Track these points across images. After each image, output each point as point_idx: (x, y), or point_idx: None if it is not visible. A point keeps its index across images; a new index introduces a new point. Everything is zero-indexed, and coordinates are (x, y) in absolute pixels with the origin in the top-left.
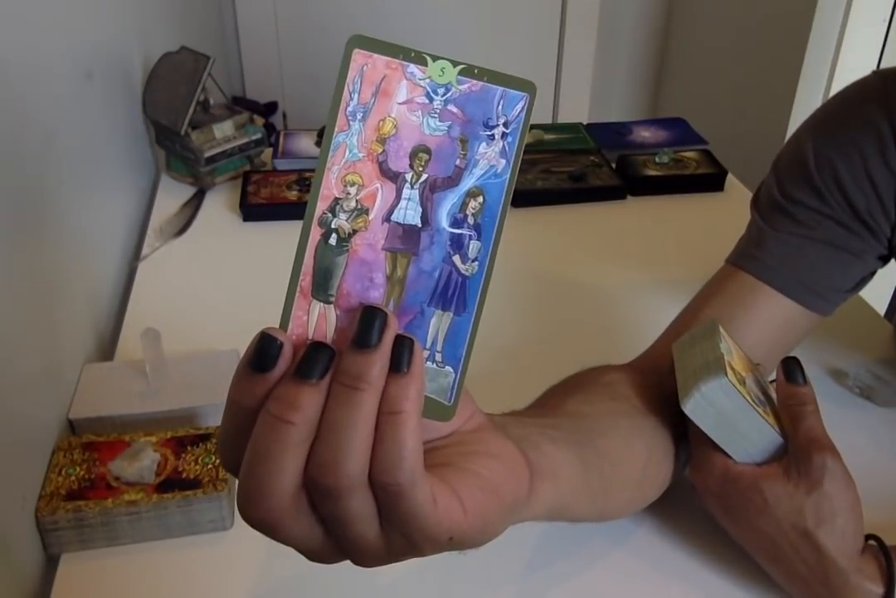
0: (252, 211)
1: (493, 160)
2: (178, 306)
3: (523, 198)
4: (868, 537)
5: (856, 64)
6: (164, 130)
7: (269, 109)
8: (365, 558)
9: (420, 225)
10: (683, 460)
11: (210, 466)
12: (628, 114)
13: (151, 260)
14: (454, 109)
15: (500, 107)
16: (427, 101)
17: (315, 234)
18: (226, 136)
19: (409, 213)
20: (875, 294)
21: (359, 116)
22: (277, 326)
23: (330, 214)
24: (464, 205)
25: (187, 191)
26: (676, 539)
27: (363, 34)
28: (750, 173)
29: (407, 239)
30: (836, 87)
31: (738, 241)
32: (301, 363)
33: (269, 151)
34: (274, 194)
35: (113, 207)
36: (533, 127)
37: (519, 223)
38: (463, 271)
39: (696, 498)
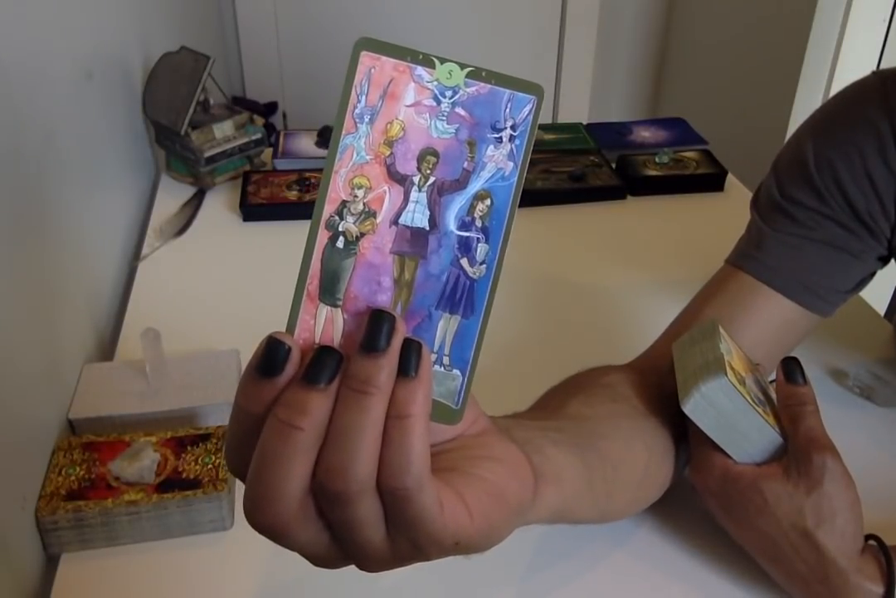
0: (252, 211)
1: (500, 163)
2: (178, 306)
3: (523, 198)
4: (868, 537)
5: (856, 64)
6: (164, 130)
7: (269, 109)
8: (371, 563)
9: (428, 228)
10: (683, 461)
11: (210, 466)
12: (628, 114)
13: (151, 260)
14: (462, 112)
15: (507, 110)
16: (435, 103)
17: (322, 237)
18: (226, 136)
19: (416, 216)
20: (875, 294)
21: (366, 119)
22: (282, 329)
23: (337, 217)
24: (471, 208)
25: (187, 191)
26: (676, 539)
27: (370, 36)
28: (750, 173)
29: (415, 242)
30: (836, 87)
31: (738, 241)
32: (309, 368)
33: (269, 151)
34: (274, 194)
35: (113, 207)
36: None
37: (519, 223)
38: (471, 274)
39: (696, 498)
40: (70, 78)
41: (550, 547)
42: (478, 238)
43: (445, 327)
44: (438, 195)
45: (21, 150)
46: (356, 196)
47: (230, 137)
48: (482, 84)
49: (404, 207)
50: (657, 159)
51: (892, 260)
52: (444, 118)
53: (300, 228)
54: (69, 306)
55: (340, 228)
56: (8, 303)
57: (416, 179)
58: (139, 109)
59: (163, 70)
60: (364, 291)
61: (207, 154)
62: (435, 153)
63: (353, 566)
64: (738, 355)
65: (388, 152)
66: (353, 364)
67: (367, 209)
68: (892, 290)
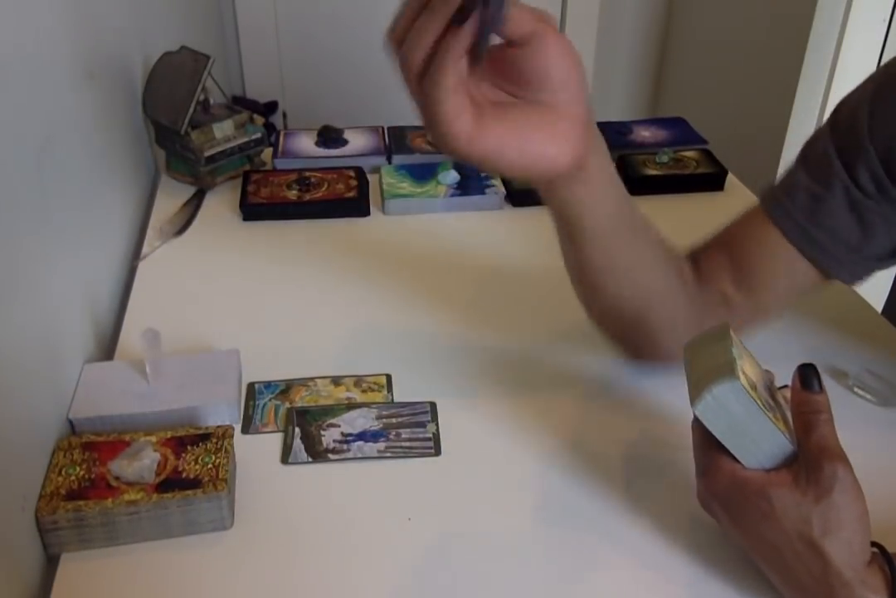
0: (252, 211)
1: None
2: (178, 306)
3: (523, 198)
4: (871, 545)
5: (856, 64)
6: (164, 130)
7: (269, 108)
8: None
9: None
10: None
11: (210, 465)
12: (628, 114)
13: (151, 260)
14: None
15: None
16: None
17: None
18: (226, 135)
19: None
20: (875, 294)
21: None
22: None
23: None
24: None
25: (187, 191)
26: (673, 540)
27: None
28: (750, 173)
29: None
30: (836, 87)
31: (779, 178)
32: None
33: (269, 150)
34: (274, 194)
35: (113, 207)
36: None
37: (519, 223)
38: None
39: (695, 502)
40: (70, 78)
41: (545, 545)
42: None
43: None
44: None
45: (21, 150)
46: None
47: (230, 137)
48: None
49: None
50: (657, 159)
51: None
52: None
53: (300, 228)
54: (69, 306)
55: None
56: (8, 303)
57: None
58: (139, 109)
59: (163, 70)
60: None
61: (207, 154)
62: None
63: (352, 568)
64: (749, 361)
65: None
66: None
67: None
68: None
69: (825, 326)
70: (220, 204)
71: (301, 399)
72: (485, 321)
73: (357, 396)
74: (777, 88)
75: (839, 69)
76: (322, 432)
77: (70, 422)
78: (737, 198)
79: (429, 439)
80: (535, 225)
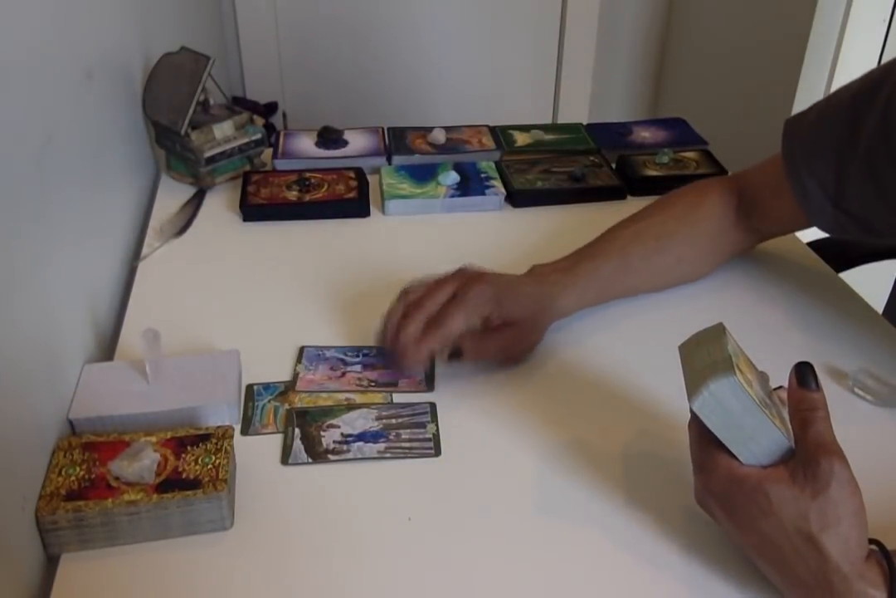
0: (252, 211)
1: None
2: (178, 306)
3: (523, 198)
4: (870, 541)
5: (856, 64)
6: (164, 130)
7: (269, 109)
8: None
9: None
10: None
11: (210, 466)
12: (628, 114)
13: (151, 260)
14: None
15: None
16: None
17: None
18: (226, 136)
19: None
20: (875, 294)
21: None
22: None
23: None
24: None
25: (187, 191)
26: (670, 539)
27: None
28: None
29: None
30: (836, 86)
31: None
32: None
33: (269, 151)
34: (274, 194)
35: (113, 207)
36: (533, 127)
37: (519, 223)
38: None
39: (692, 499)
40: (70, 78)
41: (545, 544)
42: None
43: None
44: None
45: (21, 150)
46: None
47: (230, 138)
48: None
49: None
50: (657, 159)
51: None
52: None
53: (300, 228)
54: (69, 306)
55: None
56: (8, 303)
57: None
58: (139, 109)
59: (163, 70)
60: None
61: (207, 154)
62: None
63: (351, 567)
64: (744, 360)
65: None
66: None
67: None
68: (890, 289)
69: (825, 326)
70: (220, 204)
71: (300, 400)
72: None
73: (357, 397)
74: (777, 89)
75: (839, 69)
76: (322, 433)
77: (70, 422)
78: None
79: (429, 439)
80: (535, 226)
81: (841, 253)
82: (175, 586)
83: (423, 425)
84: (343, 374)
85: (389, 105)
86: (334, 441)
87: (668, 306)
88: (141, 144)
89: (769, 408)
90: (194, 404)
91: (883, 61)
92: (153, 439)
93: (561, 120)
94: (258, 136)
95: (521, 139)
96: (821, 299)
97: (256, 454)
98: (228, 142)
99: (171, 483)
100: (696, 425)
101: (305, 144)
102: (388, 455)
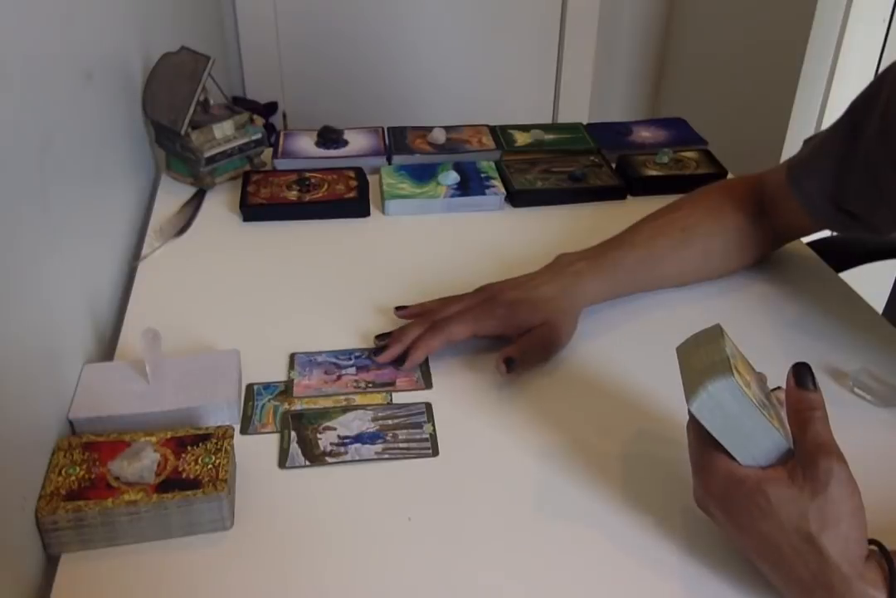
0: (252, 211)
1: None
2: (178, 306)
3: (523, 198)
4: (869, 542)
5: (856, 64)
6: (164, 130)
7: (269, 109)
8: None
9: None
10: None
11: (210, 466)
12: (628, 114)
13: (151, 260)
14: None
15: None
16: None
17: None
18: (226, 136)
19: None
20: (875, 294)
21: None
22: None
23: None
24: None
25: (187, 191)
26: (676, 538)
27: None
28: (750, 173)
29: None
30: (836, 87)
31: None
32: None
33: (269, 151)
34: (274, 194)
35: (113, 207)
36: (533, 127)
37: (519, 223)
38: None
39: (692, 501)
40: (70, 78)
41: (545, 544)
42: None
43: None
44: None
45: (21, 150)
46: None
47: (230, 138)
48: None
49: None
50: (657, 159)
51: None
52: None
53: (300, 228)
54: (69, 306)
55: None
56: (8, 303)
57: None
58: (139, 109)
59: (163, 70)
60: None
61: (207, 154)
62: None
63: (351, 567)
64: (742, 361)
65: None
66: None
67: None
68: (890, 289)
69: (825, 326)
70: (220, 204)
71: (300, 401)
72: None
73: (357, 398)
74: (777, 89)
75: (839, 69)
76: (318, 436)
77: (70, 422)
78: None
79: (426, 439)
80: (535, 225)
81: (841, 253)
82: (175, 586)
83: (419, 426)
84: (338, 377)
85: (389, 105)
86: (331, 444)
87: (668, 306)
88: (141, 144)
89: (767, 409)
90: (194, 404)
91: (883, 61)
92: (153, 439)
93: (561, 120)
94: (258, 136)
95: (521, 139)
96: (821, 299)
97: (256, 454)
98: (228, 142)
99: (171, 483)
100: (695, 427)
101: (305, 143)
102: (385, 456)
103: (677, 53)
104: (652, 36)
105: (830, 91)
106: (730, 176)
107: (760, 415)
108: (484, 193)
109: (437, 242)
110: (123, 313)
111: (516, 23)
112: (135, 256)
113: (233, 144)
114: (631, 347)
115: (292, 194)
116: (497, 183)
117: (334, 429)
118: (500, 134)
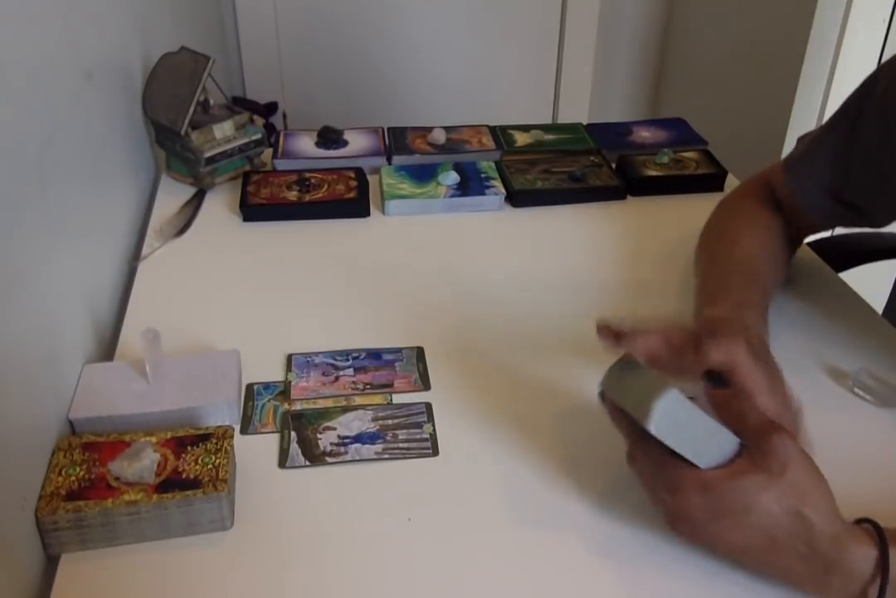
0: (252, 211)
1: None
2: (178, 306)
3: (523, 198)
4: (859, 520)
5: (856, 64)
6: (164, 130)
7: (269, 109)
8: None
9: None
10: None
11: (210, 466)
12: (628, 114)
13: (151, 260)
14: None
15: None
16: None
17: None
18: (226, 136)
19: None
20: (875, 295)
21: None
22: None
23: None
24: None
25: (187, 191)
26: (675, 539)
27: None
28: (750, 173)
29: None
30: (836, 87)
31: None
32: None
33: (269, 151)
34: (274, 195)
35: (113, 207)
36: (533, 127)
37: (519, 223)
38: None
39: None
40: (70, 78)
41: (545, 544)
42: None
43: None
44: None
45: (21, 150)
46: None
47: (230, 138)
48: None
49: None
50: (657, 159)
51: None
52: None
53: (300, 228)
54: (69, 307)
55: None
56: (8, 303)
57: None
58: (139, 109)
59: (163, 70)
60: None
61: (207, 154)
62: None
63: (351, 567)
64: (665, 376)
65: None
66: None
67: None
68: (890, 289)
69: (825, 326)
70: (220, 204)
71: (300, 401)
72: (483, 322)
73: (358, 399)
74: (777, 89)
75: (839, 69)
76: (318, 436)
77: (70, 422)
78: None
79: (426, 439)
80: (534, 226)
81: (841, 253)
82: (175, 586)
83: (419, 426)
84: (336, 379)
85: (389, 105)
86: (331, 444)
87: (668, 306)
88: (141, 144)
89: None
90: (194, 404)
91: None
92: (153, 439)
93: (561, 120)
94: (258, 136)
95: (521, 139)
96: (821, 299)
97: (256, 454)
98: (228, 142)
99: (171, 483)
100: (642, 454)
101: (305, 144)
102: (385, 456)
103: (677, 53)
104: (652, 36)
105: (830, 91)
106: (730, 176)
107: (707, 416)
108: (484, 194)
109: (437, 242)
110: (123, 313)
111: (516, 23)
112: (135, 256)
113: (233, 144)
114: None
115: (292, 194)
116: (497, 183)
117: (334, 429)
118: (500, 134)
